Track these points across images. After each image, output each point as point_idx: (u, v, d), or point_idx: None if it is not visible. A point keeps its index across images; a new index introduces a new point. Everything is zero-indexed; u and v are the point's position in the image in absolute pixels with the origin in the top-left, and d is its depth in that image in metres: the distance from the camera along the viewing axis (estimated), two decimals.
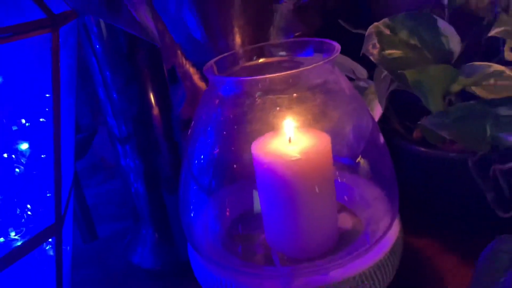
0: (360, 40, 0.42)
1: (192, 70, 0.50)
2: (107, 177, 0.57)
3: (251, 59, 0.37)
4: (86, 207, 0.52)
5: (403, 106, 0.41)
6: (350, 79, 0.43)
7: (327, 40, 0.34)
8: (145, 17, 0.30)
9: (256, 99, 0.30)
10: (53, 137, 0.28)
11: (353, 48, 0.42)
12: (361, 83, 0.42)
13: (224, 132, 0.31)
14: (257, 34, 0.46)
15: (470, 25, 0.42)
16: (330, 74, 0.31)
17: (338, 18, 0.46)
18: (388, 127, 0.42)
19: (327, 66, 0.30)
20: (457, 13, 0.41)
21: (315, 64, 0.29)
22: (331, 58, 0.30)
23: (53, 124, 0.28)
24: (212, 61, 0.35)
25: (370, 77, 0.42)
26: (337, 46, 0.32)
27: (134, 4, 0.30)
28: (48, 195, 0.39)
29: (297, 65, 0.36)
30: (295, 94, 0.29)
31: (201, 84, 0.50)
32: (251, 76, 0.35)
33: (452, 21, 0.41)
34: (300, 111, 0.30)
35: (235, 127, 0.30)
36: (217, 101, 0.32)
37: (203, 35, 0.46)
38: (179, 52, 0.49)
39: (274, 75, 0.28)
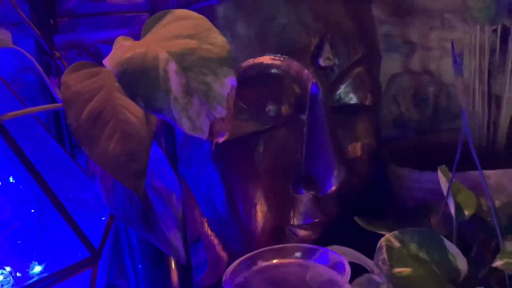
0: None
1: (215, 241, 0.53)
2: None
3: (268, 260, 0.40)
4: None
5: None
6: (365, 270, 0.46)
7: (341, 258, 0.37)
8: (176, 238, 0.33)
9: None
10: None
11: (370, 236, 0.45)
12: (375, 277, 0.44)
13: None
14: (277, 216, 0.49)
15: (478, 230, 0.44)
16: None
17: (355, 207, 0.49)
18: None
19: None
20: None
21: None
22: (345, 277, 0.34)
23: None
24: (230, 268, 0.37)
25: None
26: (348, 269, 0.35)
27: (167, 225, 0.34)
28: None
29: (311, 270, 0.39)
30: None
31: (223, 255, 0.54)
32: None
33: (459, 227, 0.44)
34: None
35: None
36: None
37: (227, 212, 0.50)
38: (206, 224, 0.53)
39: None
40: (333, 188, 0.47)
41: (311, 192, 0.48)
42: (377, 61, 0.53)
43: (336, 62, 0.47)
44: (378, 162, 0.55)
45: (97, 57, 0.52)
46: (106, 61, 0.29)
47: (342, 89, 0.49)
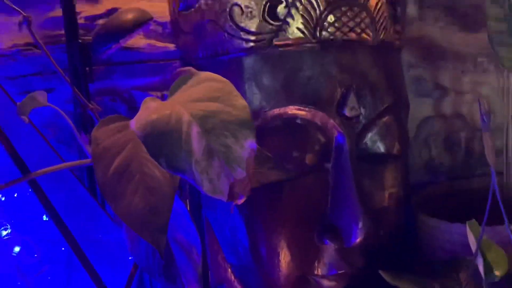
0: None
1: (239, 287, 0.53)
2: None
3: None
4: None
5: None
6: None
7: None
8: None
9: None
10: None
11: None
12: None
13: None
14: (301, 265, 0.49)
15: None
16: None
17: (382, 258, 0.48)
18: None
19: None
20: None
21: None
22: None
23: None
24: None
25: None
26: None
27: (187, 279, 0.34)
28: None
29: None
30: None
31: None
32: None
33: None
34: None
35: None
36: None
37: (250, 259, 0.50)
38: (229, 270, 0.53)
39: None
40: (358, 240, 0.46)
41: (336, 244, 0.47)
42: (405, 110, 0.53)
43: (362, 112, 0.47)
44: (407, 211, 0.54)
45: (130, 103, 0.55)
46: (132, 123, 0.30)
47: (368, 139, 0.49)
